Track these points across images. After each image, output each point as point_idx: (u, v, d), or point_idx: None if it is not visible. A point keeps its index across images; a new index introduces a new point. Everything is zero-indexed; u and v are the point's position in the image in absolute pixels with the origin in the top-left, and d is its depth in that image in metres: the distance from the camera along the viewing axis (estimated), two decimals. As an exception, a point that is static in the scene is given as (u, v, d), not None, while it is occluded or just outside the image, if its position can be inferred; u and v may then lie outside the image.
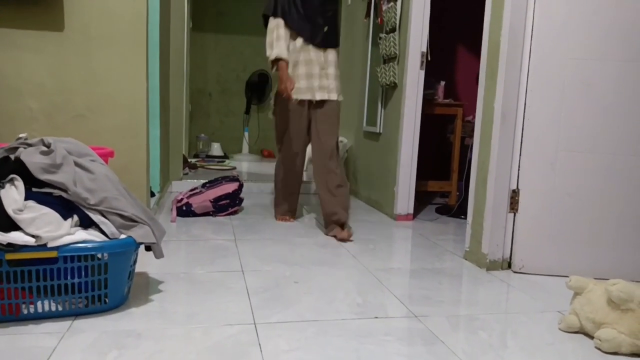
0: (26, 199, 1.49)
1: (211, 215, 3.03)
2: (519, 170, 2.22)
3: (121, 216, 1.61)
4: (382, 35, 3.47)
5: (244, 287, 1.87)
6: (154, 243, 1.65)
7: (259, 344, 1.42)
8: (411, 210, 3.31)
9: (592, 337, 1.54)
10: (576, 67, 2.12)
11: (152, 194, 2.93)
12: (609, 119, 2.12)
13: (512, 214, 2.24)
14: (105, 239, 1.56)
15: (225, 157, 5.93)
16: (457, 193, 3.78)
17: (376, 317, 1.66)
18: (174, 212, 2.94)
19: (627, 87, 2.10)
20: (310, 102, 2.76)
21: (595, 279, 1.65)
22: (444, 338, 1.53)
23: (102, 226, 1.57)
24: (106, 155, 2.07)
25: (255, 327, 1.53)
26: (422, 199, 3.96)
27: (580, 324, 1.58)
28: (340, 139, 4.46)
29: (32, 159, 1.54)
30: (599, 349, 1.49)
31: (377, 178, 3.65)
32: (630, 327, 1.45)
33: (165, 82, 3.54)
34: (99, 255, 1.54)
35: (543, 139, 2.17)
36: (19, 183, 1.51)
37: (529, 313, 1.78)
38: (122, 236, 1.59)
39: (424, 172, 3.63)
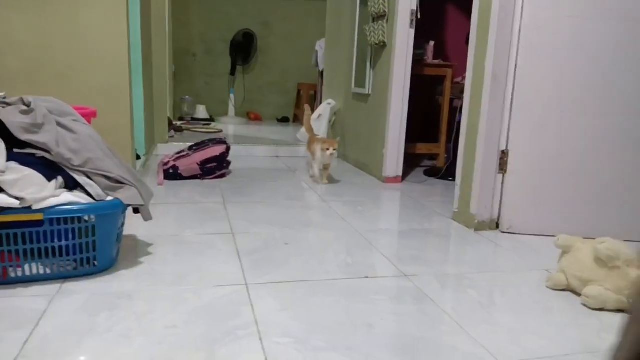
0: (8, 160, 1.44)
1: (199, 178, 3.00)
2: (508, 131, 2.21)
3: (107, 177, 1.57)
4: (372, -8, 3.37)
5: (234, 248, 1.86)
6: (141, 205, 1.62)
7: (251, 304, 1.42)
8: (400, 173, 3.31)
9: (579, 295, 1.57)
10: (569, 26, 2.09)
11: (138, 157, 2.88)
12: (600, 79, 2.11)
13: (501, 175, 2.25)
14: (92, 201, 1.53)
15: (211, 119, 5.84)
16: (446, 155, 3.79)
17: (366, 277, 1.67)
18: (161, 175, 2.90)
19: (619, 47, 2.08)
20: None
21: (584, 238, 1.67)
22: (433, 296, 1.54)
23: (87, 188, 1.54)
24: (89, 115, 2.01)
25: (247, 288, 1.53)
26: (411, 162, 3.95)
27: (568, 282, 1.60)
28: (329, 101, 4.41)
29: (12, 118, 1.48)
30: (585, 305, 1.52)
31: (366, 140, 3.63)
32: (616, 284, 1.48)
33: (147, 40, 3.43)
34: (86, 218, 1.51)
35: (534, 100, 2.16)
36: (0, 144, 1.46)
37: (517, 272, 1.80)
38: (109, 198, 1.56)
39: (412, 134, 3.61)
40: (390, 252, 1.94)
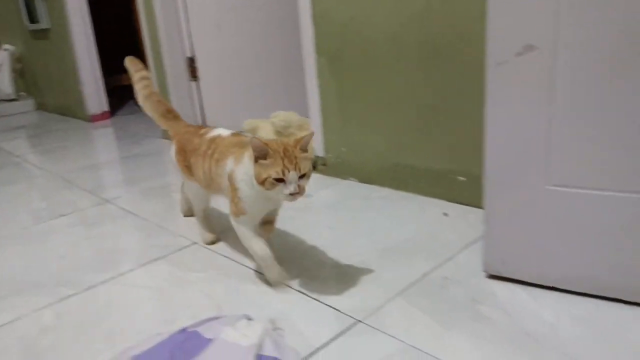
0: None
1: None
2: (190, 37, 2.19)
3: None
4: None
5: None
6: None
7: None
8: (106, 108, 3.07)
9: (269, 168, 1.72)
10: None
11: None
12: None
13: (195, 82, 2.25)
14: None
15: None
16: (156, 81, 3.64)
17: (62, 215, 1.52)
18: None
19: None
20: None
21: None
22: (135, 210, 1.50)
23: None
24: None
25: None
26: (122, 94, 3.69)
27: (258, 159, 1.74)
28: (6, 46, 3.73)
29: None
30: (274, 174, 1.68)
31: (60, 81, 3.22)
32: (294, 149, 1.67)
33: None
34: None
35: (207, 2, 2.15)
36: None
37: (220, 166, 1.88)
38: None
39: (117, 66, 3.33)
40: (92, 185, 1.79)
